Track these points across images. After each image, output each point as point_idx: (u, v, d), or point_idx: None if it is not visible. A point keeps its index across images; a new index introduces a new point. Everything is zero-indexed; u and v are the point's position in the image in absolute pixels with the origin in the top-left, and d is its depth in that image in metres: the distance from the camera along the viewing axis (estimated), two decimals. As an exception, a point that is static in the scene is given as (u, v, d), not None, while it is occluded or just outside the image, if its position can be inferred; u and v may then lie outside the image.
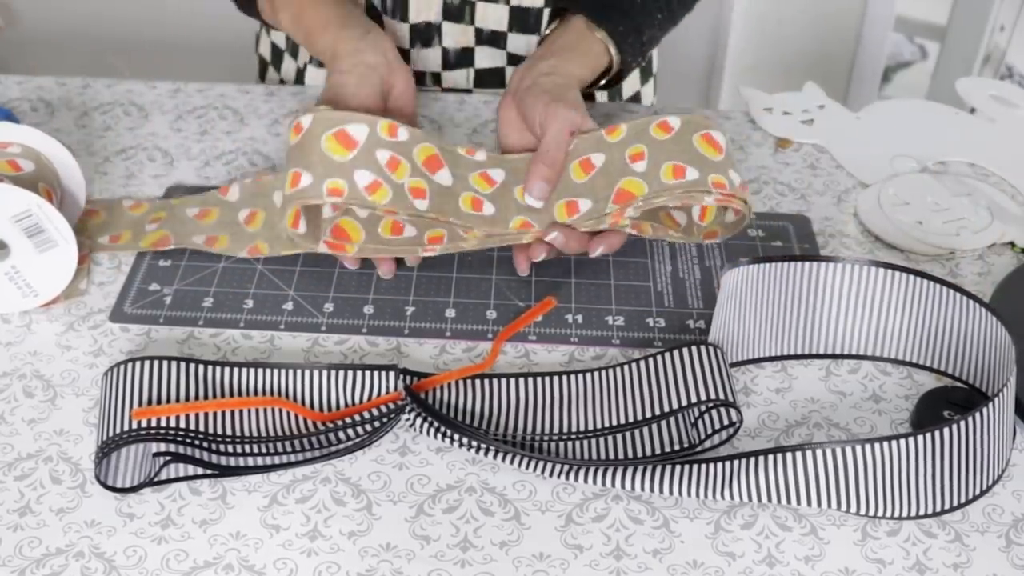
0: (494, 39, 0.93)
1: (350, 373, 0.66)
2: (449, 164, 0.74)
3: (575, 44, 0.81)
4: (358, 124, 0.70)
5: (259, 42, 1.07)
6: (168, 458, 0.62)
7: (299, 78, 1.01)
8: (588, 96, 0.99)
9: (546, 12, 0.91)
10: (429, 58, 0.95)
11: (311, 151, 0.70)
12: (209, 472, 0.62)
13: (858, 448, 0.58)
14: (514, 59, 0.95)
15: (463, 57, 0.95)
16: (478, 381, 0.67)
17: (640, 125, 0.73)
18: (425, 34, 0.93)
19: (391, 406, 0.64)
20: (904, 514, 0.60)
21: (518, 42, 0.94)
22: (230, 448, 0.63)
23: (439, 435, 0.64)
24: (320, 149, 0.70)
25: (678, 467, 0.62)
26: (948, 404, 0.66)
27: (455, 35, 0.93)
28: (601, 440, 0.65)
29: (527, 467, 0.63)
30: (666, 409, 0.63)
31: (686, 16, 0.91)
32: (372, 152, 0.70)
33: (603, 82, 0.85)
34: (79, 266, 0.75)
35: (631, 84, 1.02)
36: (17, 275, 0.72)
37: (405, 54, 0.95)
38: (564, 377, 0.68)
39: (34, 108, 0.94)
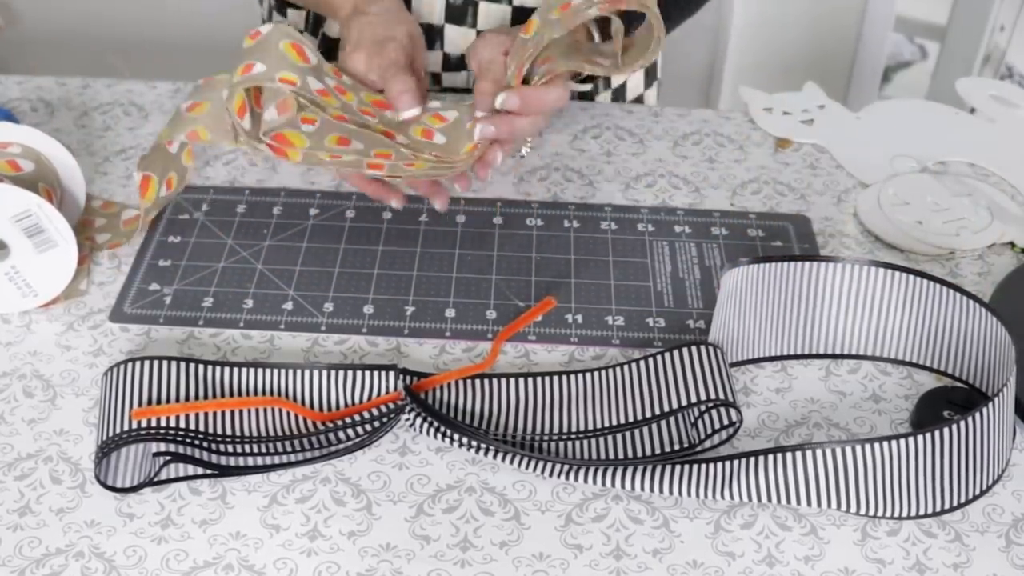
0: None
1: (350, 373, 0.66)
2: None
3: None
4: (311, 51, 0.73)
5: None
6: (168, 458, 0.62)
7: None
8: (590, 96, 0.99)
9: None
10: (429, 59, 0.95)
11: (268, 50, 0.71)
12: (209, 472, 0.62)
13: (858, 448, 0.58)
14: None
15: (463, 61, 0.95)
16: (478, 381, 0.67)
17: (544, 8, 0.75)
18: (427, 35, 0.93)
19: (391, 406, 0.64)
20: (904, 514, 0.60)
21: None
22: (230, 448, 0.63)
23: (439, 435, 0.64)
24: (278, 49, 0.71)
25: (678, 467, 0.62)
26: (948, 404, 0.66)
27: (456, 40, 0.93)
28: (601, 440, 0.65)
29: (527, 467, 0.63)
30: (666, 409, 0.63)
31: (697, 11, 0.91)
32: (322, 76, 0.73)
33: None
34: (79, 266, 0.75)
35: (635, 87, 1.02)
36: (17, 275, 0.72)
37: None
38: (564, 377, 0.68)
39: (34, 108, 0.94)
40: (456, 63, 0.95)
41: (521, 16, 0.91)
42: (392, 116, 0.76)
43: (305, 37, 0.74)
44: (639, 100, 1.03)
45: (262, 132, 0.73)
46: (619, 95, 1.01)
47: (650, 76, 1.03)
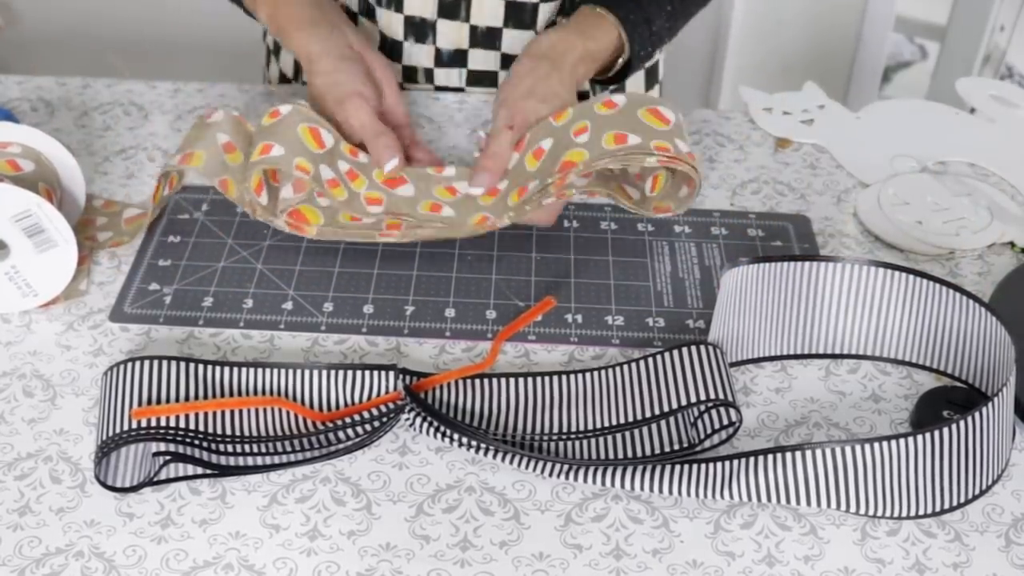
0: (489, 38, 0.93)
1: (350, 373, 0.66)
2: (413, 180, 0.78)
3: (580, 20, 0.84)
4: (327, 132, 0.76)
5: (267, 31, 1.07)
6: (168, 458, 0.62)
7: (297, 71, 1.01)
8: (586, 97, 0.99)
9: (542, 8, 0.91)
10: (422, 54, 0.95)
11: (286, 132, 0.74)
12: (209, 472, 0.62)
13: (858, 448, 0.58)
14: (508, 60, 0.95)
15: (456, 57, 0.95)
16: (478, 381, 0.67)
17: (586, 104, 0.76)
18: (419, 29, 0.93)
19: (391, 406, 0.64)
20: (904, 514, 0.60)
21: (513, 40, 0.93)
22: (230, 448, 0.63)
23: (439, 435, 0.64)
24: (296, 132, 0.74)
25: (678, 467, 0.62)
26: (948, 404, 0.66)
27: (449, 35, 0.93)
28: (601, 440, 0.65)
29: (527, 467, 0.63)
30: (666, 409, 0.63)
31: (700, 11, 0.91)
32: (335, 159, 0.75)
33: (611, 73, 0.87)
34: (79, 266, 0.75)
35: (634, 88, 1.02)
36: (17, 275, 0.72)
37: (398, 47, 0.95)
38: (564, 377, 0.68)
39: (34, 108, 0.94)
40: (448, 59, 0.95)
41: (513, 11, 0.91)
42: (400, 193, 0.77)
43: (322, 118, 0.76)
44: None
45: (279, 209, 0.75)
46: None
47: (651, 77, 1.03)
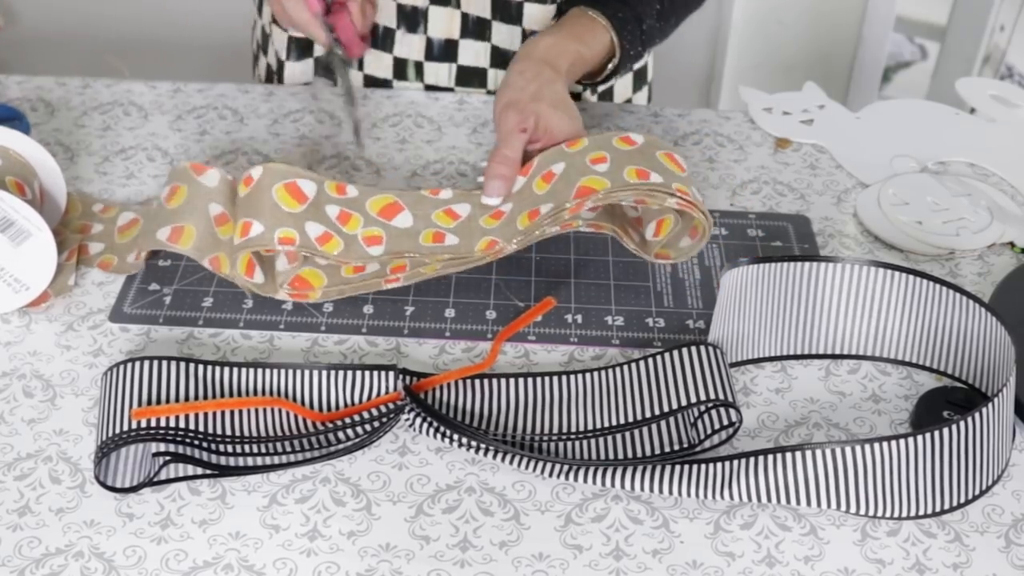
0: (479, 28, 0.93)
1: (350, 373, 0.66)
2: (410, 206, 0.75)
3: (573, 23, 0.83)
4: (307, 180, 0.72)
5: (253, 32, 1.07)
6: (168, 458, 0.62)
7: (272, 73, 1.01)
8: (576, 97, 0.99)
9: (527, 7, 0.92)
10: (413, 44, 0.95)
11: (262, 201, 0.71)
12: (209, 472, 0.62)
13: (858, 448, 0.58)
14: (498, 53, 0.95)
15: (447, 50, 0.94)
16: (478, 381, 0.67)
17: (602, 137, 0.74)
18: (411, 18, 0.93)
19: (391, 406, 0.64)
20: (904, 514, 0.60)
21: (502, 33, 0.94)
22: (230, 448, 0.63)
23: (439, 435, 0.64)
24: (271, 199, 0.71)
25: (678, 467, 0.62)
26: (948, 404, 0.66)
27: (441, 23, 0.93)
28: (601, 440, 0.65)
29: (527, 467, 0.63)
30: (666, 409, 0.63)
31: (691, 15, 0.91)
32: (322, 207, 0.72)
33: (605, 72, 0.86)
34: (66, 262, 0.74)
35: (623, 90, 1.01)
36: (3, 272, 0.71)
37: (390, 35, 0.95)
38: (564, 377, 0.68)
39: (34, 108, 0.94)
40: (439, 51, 0.95)
41: (500, 6, 0.91)
42: (399, 225, 0.73)
43: (298, 158, 0.73)
44: (627, 103, 1.03)
45: (279, 283, 0.73)
46: (606, 97, 1.00)
47: (640, 79, 1.03)
